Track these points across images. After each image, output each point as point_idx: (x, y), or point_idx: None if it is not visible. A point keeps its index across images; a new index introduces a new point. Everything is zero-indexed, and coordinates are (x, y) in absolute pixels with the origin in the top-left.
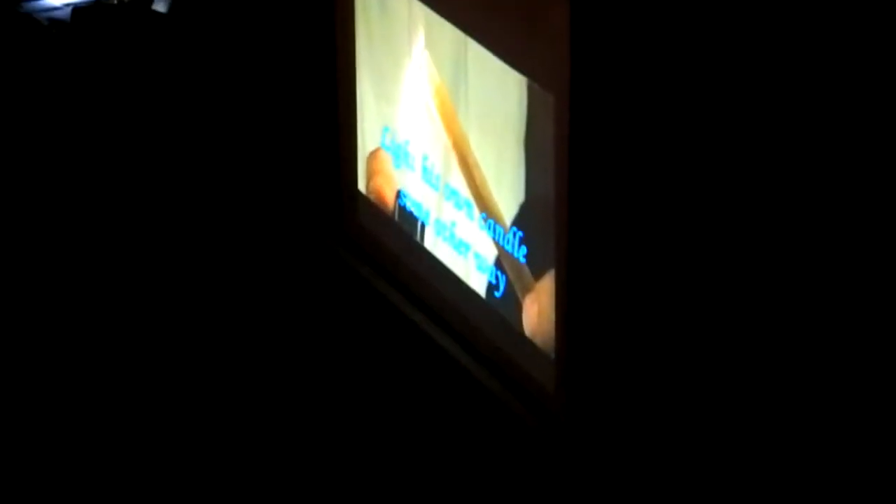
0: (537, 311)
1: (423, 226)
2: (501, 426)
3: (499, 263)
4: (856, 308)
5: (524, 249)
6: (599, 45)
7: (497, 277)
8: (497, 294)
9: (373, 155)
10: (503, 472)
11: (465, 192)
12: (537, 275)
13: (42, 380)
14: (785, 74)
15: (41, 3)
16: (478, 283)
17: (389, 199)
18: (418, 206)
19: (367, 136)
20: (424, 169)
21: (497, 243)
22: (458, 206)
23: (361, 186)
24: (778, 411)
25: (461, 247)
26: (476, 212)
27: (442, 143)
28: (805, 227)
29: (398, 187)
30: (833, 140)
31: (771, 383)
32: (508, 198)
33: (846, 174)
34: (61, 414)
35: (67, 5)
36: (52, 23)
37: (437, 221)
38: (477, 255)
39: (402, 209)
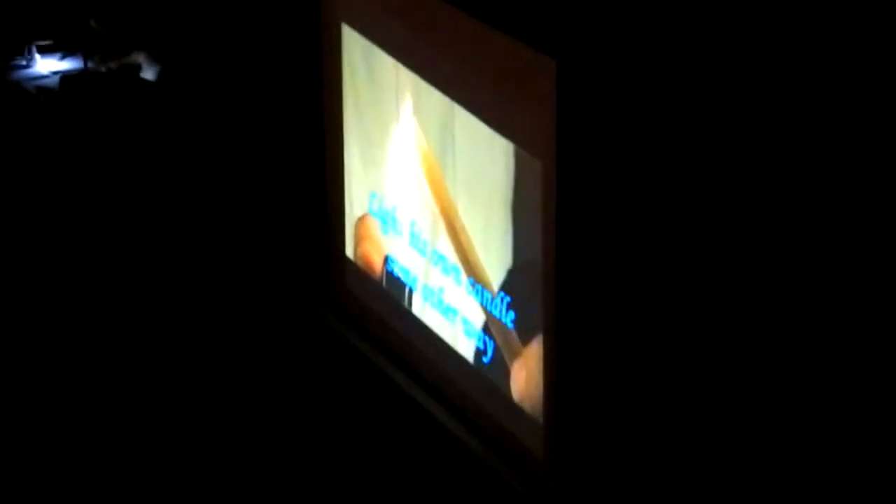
0: (525, 377)
1: (410, 291)
2: (489, 491)
3: (487, 329)
4: (854, 326)
5: (512, 314)
6: (586, 111)
7: (485, 343)
8: (485, 359)
9: (360, 220)
10: None
11: (453, 258)
12: (525, 340)
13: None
14: (771, 139)
15: (29, 71)
16: (466, 349)
17: (377, 264)
18: (406, 271)
19: (355, 202)
20: (412, 234)
21: (485, 308)
22: (446, 271)
23: (349, 252)
24: (776, 482)
25: (449, 312)
26: (464, 277)
27: (429, 208)
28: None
29: (386, 253)
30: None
31: (768, 449)
32: (496, 263)
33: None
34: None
35: (56, 73)
36: (40, 91)
37: (425, 287)
38: (465, 321)
39: (390, 274)
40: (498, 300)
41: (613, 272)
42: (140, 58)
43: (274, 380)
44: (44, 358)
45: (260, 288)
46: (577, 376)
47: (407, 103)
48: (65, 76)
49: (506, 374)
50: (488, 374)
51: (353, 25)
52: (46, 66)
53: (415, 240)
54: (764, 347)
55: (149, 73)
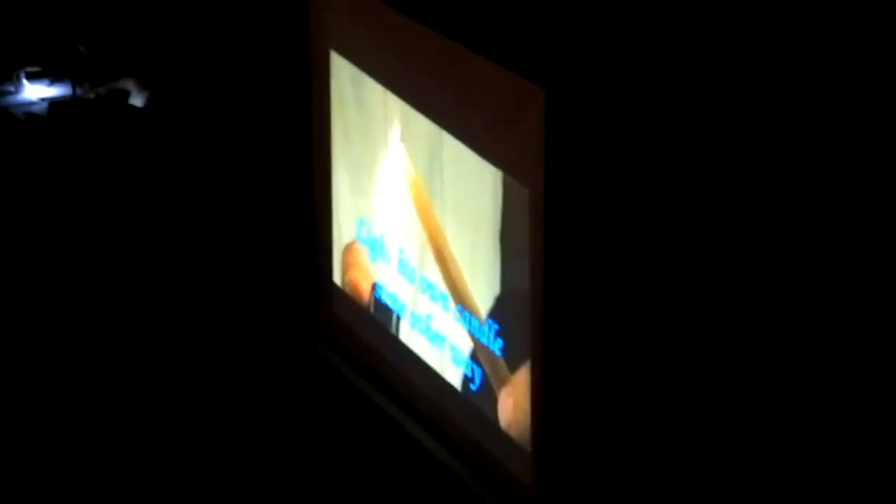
0: (513, 404)
1: (398, 318)
2: None
3: (474, 356)
4: (847, 330)
5: (500, 342)
6: (574, 140)
7: (472, 370)
8: (472, 387)
9: (348, 248)
10: None
11: (441, 285)
12: (513, 367)
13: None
14: (758, 168)
15: (17, 97)
16: (453, 376)
17: (365, 291)
18: (394, 298)
19: (343, 229)
20: (400, 261)
21: (472, 336)
22: (434, 298)
23: (337, 279)
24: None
25: (436, 339)
26: (451, 304)
27: (417, 235)
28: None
29: (374, 280)
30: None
31: (757, 468)
32: (484, 290)
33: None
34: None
35: (44, 100)
36: (28, 117)
37: (413, 314)
38: (452, 348)
39: (378, 301)
40: (486, 327)
41: (601, 300)
42: (128, 84)
43: (261, 404)
44: (24, 379)
45: (248, 313)
46: (565, 404)
47: (395, 130)
48: (53, 102)
49: (493, 402)
50: (476, 402)
51: (342, 52)
52: (35, 92)
53: (403, 267)
54: (751, 378)
55: (137, 100)
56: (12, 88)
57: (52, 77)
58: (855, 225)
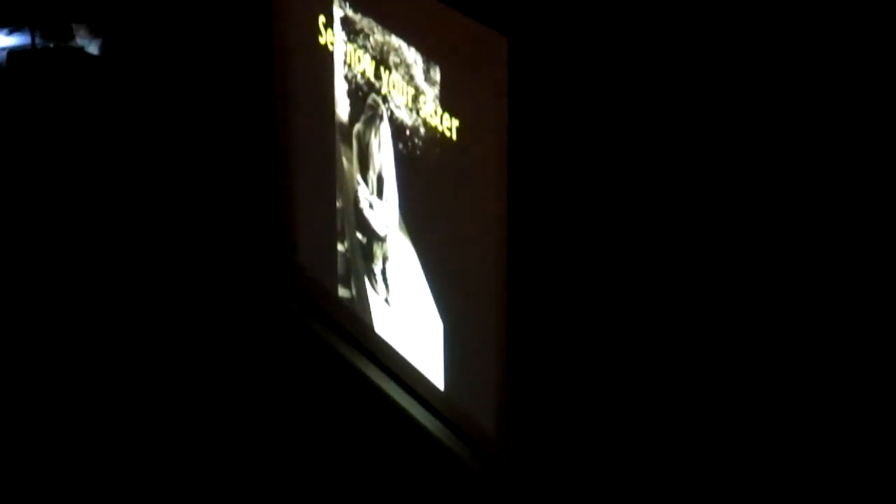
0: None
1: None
2: (444, 470)
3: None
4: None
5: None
6: (538, 88)
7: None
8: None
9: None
10: None
11: (403, 237)
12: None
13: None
14: (717, 119)
15: None
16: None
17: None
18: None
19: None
20: (362, 214)
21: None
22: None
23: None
24: (732, 458)
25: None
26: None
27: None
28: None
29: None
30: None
31: (721, 431)
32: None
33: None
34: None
35: (3, 49)
36: None
37: (375, 266)
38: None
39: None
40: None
41: (566, 248)
42: (80, 32)
43: (231, 363)
44: None
45: (214, 268)
46: (530, 354)
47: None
48: (12, 52)
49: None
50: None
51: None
52: None
53: (365, 222)
54: (719, 333)
55: (92, 48)
56: None
57: (11, 27)
58: (830, 212)
